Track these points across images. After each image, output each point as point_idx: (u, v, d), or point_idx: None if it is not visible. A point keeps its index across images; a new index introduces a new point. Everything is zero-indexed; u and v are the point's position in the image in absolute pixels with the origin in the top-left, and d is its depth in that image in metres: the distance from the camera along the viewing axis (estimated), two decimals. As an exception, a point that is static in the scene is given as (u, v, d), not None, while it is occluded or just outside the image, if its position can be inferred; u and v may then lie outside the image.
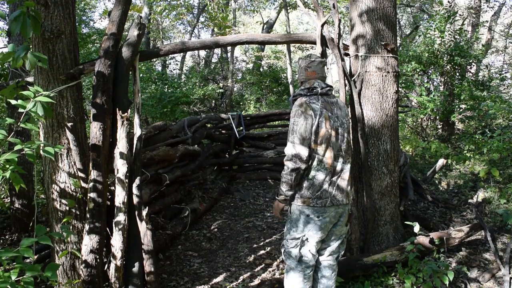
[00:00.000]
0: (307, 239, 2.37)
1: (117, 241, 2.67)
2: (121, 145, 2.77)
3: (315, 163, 2.31)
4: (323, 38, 3.40)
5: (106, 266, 2.78)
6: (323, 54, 3.45)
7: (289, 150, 2.28)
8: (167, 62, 16.12)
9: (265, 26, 15.19)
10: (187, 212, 4.45)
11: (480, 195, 4.85)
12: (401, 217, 3.71)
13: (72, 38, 2.79)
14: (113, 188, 2.96)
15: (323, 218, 2.34)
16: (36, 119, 2.28)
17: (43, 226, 1.84)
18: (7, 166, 1.85)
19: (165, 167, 4.30)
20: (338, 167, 2.37)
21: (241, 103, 14.27)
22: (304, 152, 2.25)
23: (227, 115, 6.81)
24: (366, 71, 3.38)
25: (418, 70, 7.33)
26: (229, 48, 14.41)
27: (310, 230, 2.35)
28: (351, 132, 2.52)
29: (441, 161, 4.91)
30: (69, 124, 2.76)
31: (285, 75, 14.40)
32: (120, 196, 2.72)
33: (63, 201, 2.79)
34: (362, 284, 3.03)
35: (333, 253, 2.52)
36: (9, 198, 4.66)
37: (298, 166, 2.26)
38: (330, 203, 2.33)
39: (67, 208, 2.80)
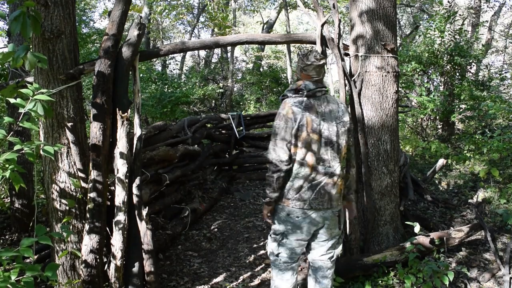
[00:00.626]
0: (286, 236, 2.40)
1: (117, 241, 2.67)
2: (121, 145, 2.77)
3: (295, 166, 2.29)
4: (323, 38, 3.40)
5: (106, 266, 2.78)
6: (323, 54, 3.45)
7: (270, 153, 2.29)
8: (167, 62, 16.12)
9: (265, 26, 15.20)
10: (187, 212, 4.45)
11: (480, 195, 4.85)
12: (401, 217, 3.71)
13: (72, 38, 2.79)
14: (113, 188, 2.96)
15: (303, 220, 2.33)
16: (36, 119, 2.28)
17: (43, 226, 1.83)
18: (7, 165, 1.85)
19: (165, 167, 4.30)
20: (321, 170, 2.30)
21: (241, 103, 14.27)
22: (284, 155, 2.25)
23: (227, 115, 6.81)
24: (366, 71, 3.38)
25: (418, 70, 7.33)
26: (229, 48, 14.41)
27: (288, 228, 2.38)
28: (347, 134, 2.42)
29: (441, 161, 4.91)
30: (69, 124, 2.76)
31: (285, 75, 14.40)
32: (120, 196, 2.72)
33: (63, 201, 2.79)
34: (362, 284, 3.03)
35: (326, 253, 2.51)
36: (9, 198, 4.66)
37: (278, 168, 2.25)
38: (309, 206, 2.30)
39: (67, 208, 2.80)
